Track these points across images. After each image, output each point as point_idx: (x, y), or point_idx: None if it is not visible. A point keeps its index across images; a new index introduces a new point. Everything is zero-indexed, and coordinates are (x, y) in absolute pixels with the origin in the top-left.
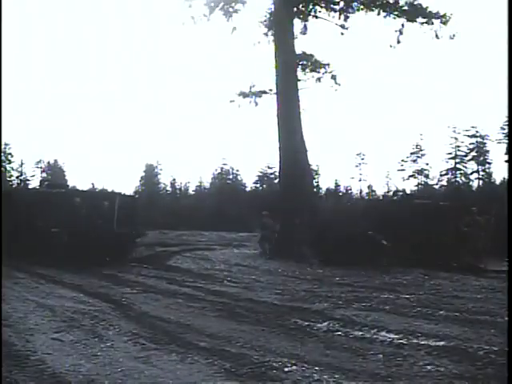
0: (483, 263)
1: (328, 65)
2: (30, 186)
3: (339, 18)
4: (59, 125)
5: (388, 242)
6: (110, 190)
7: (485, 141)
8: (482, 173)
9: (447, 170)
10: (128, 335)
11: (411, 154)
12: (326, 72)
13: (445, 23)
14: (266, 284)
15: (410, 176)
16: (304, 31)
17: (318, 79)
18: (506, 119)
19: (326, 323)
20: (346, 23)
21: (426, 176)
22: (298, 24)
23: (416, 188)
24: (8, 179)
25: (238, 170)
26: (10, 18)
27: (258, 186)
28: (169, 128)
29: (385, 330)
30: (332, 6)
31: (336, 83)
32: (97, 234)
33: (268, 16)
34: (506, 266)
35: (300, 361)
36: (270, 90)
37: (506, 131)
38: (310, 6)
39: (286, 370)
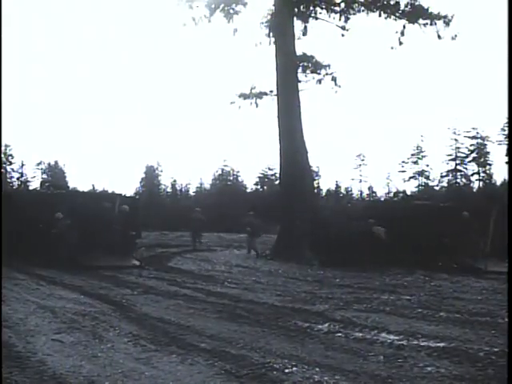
0: (483, 264)
1: (329, 66)
2: (30, 188)
3: (340, 20)
4: (60, 126)
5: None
6: (110, 191)
7: (485, 142)
8: (482, 174)
9: (448, 171)
10: (128, 336)
11: (412, 155)
12: (326, 73)
13: (447, 23)
14: (266, 285)
15: (411, 177)
16: (304, 32)
17: (319, 81)
18: (507, 120)
19: (326, 324)
20: (346, 24)
21: (427, 177)
22: (298, 25)
23: (416, 189)
24: (8, 180)
25: (238, 172)
26: (11, 19)
27: (258, 187)
28: (169, 129)
29: (385, 331)
30: (332, 7)
31: (336, 85)
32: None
33: (269, 17)
34: (506, 267)
35: (300, 362)
36: (271, 91)
37: (506, 132)
38: (311, 8)
39: (287, 371)
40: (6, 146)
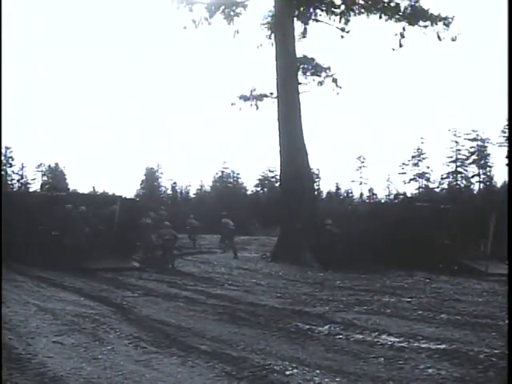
0: (484, 266)
1: (329, 68)
2: (30, 190)
3: (340, 22)
4: (60, 128)
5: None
6: (110, 193)
7: (486, 144)
8: (482, 176)
9: (448, 173)
10: (129, 338)
11: (412, 157)
12: (327, 75)
13: (447, 25)
14: (266, 287)
15: (411, 179)
16: (305, 34)
17: (319, 83)
18: (507, 122)
19: (327, 327)
20: (346, 26)
21: (427, 179)
22: (298, 27)
23: (417, 191)
24: (9, 183)
25: (238, 174)
26: (11, 18)
27: (258, 189)
28: (169, 131)
29: (386, 333)
30: (333, 9)
31: (337, 86)
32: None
33: (269, 19)
34: (506, 269)
35: (301, 364)
36: (271, 93)
37: (506, 134)
38: (311, 10)
39: (288, 373)
40: (7, 147)
